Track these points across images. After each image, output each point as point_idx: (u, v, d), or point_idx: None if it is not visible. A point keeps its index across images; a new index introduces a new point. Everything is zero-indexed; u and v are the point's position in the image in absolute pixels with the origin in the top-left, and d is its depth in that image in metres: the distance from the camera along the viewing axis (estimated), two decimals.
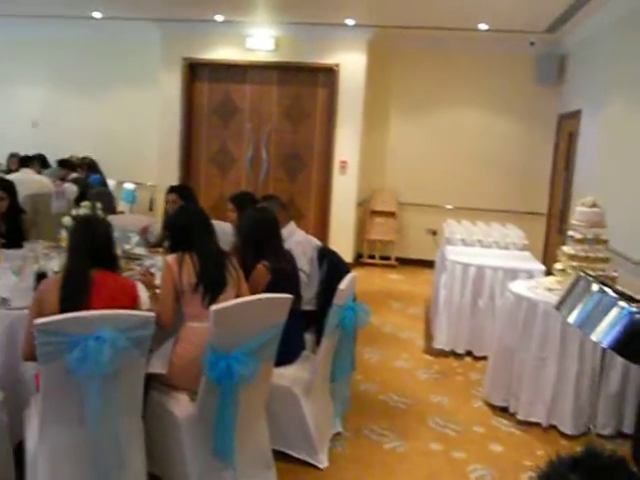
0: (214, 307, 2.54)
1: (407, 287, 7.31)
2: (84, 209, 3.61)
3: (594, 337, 2.54)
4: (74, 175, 7.09)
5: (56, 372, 2.28)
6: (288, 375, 3.17)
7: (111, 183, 7.76)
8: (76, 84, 8.80)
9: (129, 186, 7.95)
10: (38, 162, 7.12)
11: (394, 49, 8.08)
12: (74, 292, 2.51)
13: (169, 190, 4.62)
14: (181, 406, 2.73)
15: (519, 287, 4.01)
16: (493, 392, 4.01)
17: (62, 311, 2.47)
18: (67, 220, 3.57)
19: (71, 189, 6.92)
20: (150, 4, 7.08)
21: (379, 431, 3.59)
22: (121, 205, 7.37)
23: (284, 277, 3.23)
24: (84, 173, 7.30)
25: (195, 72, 8.11)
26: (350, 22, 7.34)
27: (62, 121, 8.85)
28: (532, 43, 7.50)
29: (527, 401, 3.76)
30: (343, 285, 3.12)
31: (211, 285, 2.82)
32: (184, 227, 2.96)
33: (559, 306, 2.89)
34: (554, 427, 3.69)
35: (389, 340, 5.29)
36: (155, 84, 8.16)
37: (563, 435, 3.64)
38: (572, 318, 2.71)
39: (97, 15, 7.74)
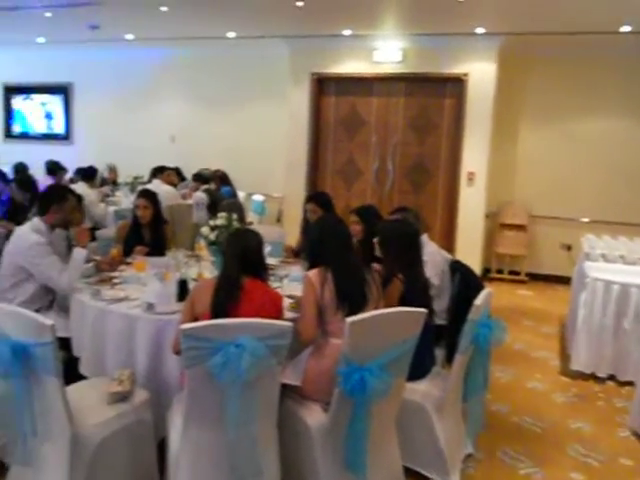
0: (350, 319, 2.53)
1: (539, 304, 6.95)
2: (221, 220, 3.75)
3: None
4: (206, 187, 7.44)
5: (200, 375, 2.37)
6: (419, 390, 3.10)
7: (241, 195, 8.06)
8: (209, 101, 9.27)
9: (258, 198, 8.22)
10: (174, 174, 7.52)
11: (525, 56, 7.77)
12: (226, 296, 2.63)
13: (307, 199, 4.68)
14: (314, 416, 2.74)
15: None
16: None
17: (213, 312, 2.59)
18: (205, 230, 3.73)
19: (201, 197, 7.26)
20: (280, 22, 7.30)
21: (513, 455, 3.42)
22: (250, 216, 7.62)
23: (418, 291, 3.17)
24: (216, 185, 7.63)
25: (322, 86, 8.25)
26: (480, 30, 7.15)
27: (197, 136, 9.34)
28: None
29: None
30: (479, 300, 3.00)
31: (352, 302, 2.81)
32: (322, 242, 2.97)
33: None
34: None
35: (521, 359, 5.04)
36: (283, 99, 8.40)
37: None
38: None
39: (231, 35, 8.09)
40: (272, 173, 8.66)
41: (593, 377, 4.60)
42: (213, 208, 6.98)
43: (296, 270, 3.89)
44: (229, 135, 9.11)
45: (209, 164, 8.55)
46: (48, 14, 7.18)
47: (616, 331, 4.55)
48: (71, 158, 9.01)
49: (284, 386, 2.75)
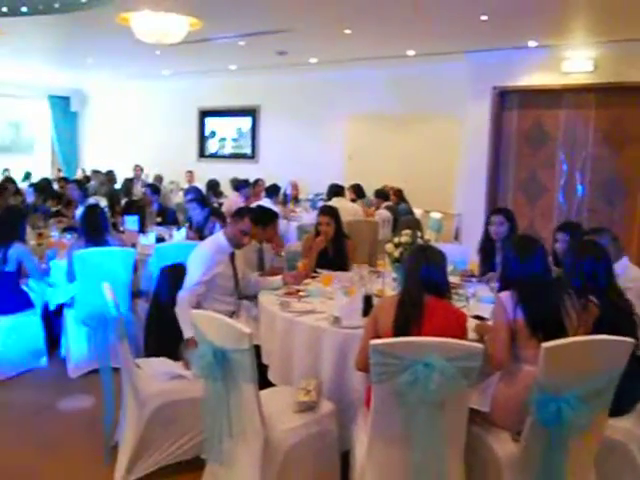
0: (545, 344, 2.37)
1: None
2: (405, 237, 3.74)
3: None
4: (387, 203, 7.51)
5: (387, 392, 2.36)
6: (622, 428, 2.81)
7: (417, 212, 8.02)
8: (387, 118, 9.38)
9: (435, 215, 8.12)
10: (353, 191, 7.69)
11: None
12: (408, 315, 2.59)
13: (492, 212, 4.53)
14: (503, 445, 2.60)
15: None
16: None
17: (394, 331, 2.57)
18: (390, 247, 3.74)
19: (384, 214, 7.34)
20: (462, 37, 7.19)
21: None
22: (428, 234, 7.56)
23: (617, 318, 2.88)
24: (394, 202, 7.68)
25: (504, 100, 7.97)
26: None
27: (373, 153, 9.50)
28: None
29: None
30: None
31: (546, 329, 2.63)
32: (515, 263, 2.83)
33: None
34: None
35: None
36: (460, 115, 8.25)
37: None
38: None
39: (410, 53, 8.13)
40: (449, 190, 8.53)
41: None
42: (393, 225, 7.06)
43: (483, 290, 3.74)
44: (405, 152, 9.14)
45: (385, 181, 8.63)
46: (242, 43, 7.75)
47: None
48: (255, 176, 9.59)
49: (470, 411, 2.64)
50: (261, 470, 2.57)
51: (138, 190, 10.07)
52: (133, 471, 3.00)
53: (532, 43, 7.25)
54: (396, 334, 2.56)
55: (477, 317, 3.22)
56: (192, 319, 2.71)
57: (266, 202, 7.18)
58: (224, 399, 2.60)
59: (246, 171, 10.21)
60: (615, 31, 6.62)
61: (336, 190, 7.43)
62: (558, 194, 7.72)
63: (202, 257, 3.61)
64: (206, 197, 7.04)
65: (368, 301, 3.25)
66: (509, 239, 3.01)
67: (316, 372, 3.09)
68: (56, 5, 5.48)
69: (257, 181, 8.93)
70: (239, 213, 3.83)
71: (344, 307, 3.15)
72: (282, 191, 8.62)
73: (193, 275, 3.54)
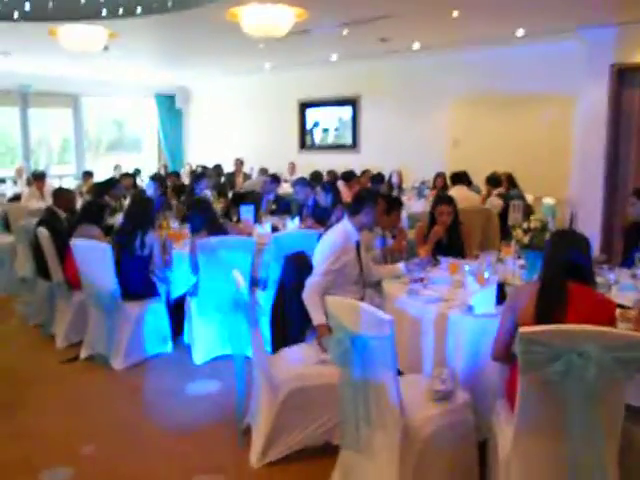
0: None
1: None
2: (535, 222, 3.58)
3: None
4: (499, 190, 7.27)
5: (536, 382, 2.26)
6: None
7: (529, 198, 7.70)
8: (495, 102, 9.06)
9: (549, 201, 7.75)
10: (464, 179, 7.48)
11: None
12: (550, 303, 2.47)
13: (633, 193, 4.31)
14: None
15: None
16: None
17: (537, 319, 2.45)
18: (519, 233, 3.60)
19: (495, 202, 7.12)
20: (575, 12, 6.80)
21: None
22: None
23: None
24: (505, 188, 7.42)
25: (625, 78, 7.47)
26: None
27: (481, 138, 9.22)
28: None
29: None
30: None
31: None
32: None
33: None
34: None
35: None
36: (574, 96, 7.83)
37: None
38: None
39: (519, 33, 7.81)
40: (562, 175, 8.12)
41: None
42: (506, 212, 6.81)
43: (623, 277, 3.53)
44: (515, 136, 8.81)
45: (494, 167, 8.34)
46: (345, 32, 7.71)
47: None
48: (357, 165, 9.55)
49: (627, 407, 2.48)
50: (400, 458, 2.53)
51: (240, 182, 10.35)
52: (268, 454, 3.07)
53: None
54: (538, 323, 2.44)
55: (620, 306, 3.03)
56: (327, 306, 2.71)
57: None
58: (361, 386, 2.59)
59: (348, 161, 10.20)
60: None
61: (459, 177, 7.32)
62: None
63: (332, 245, 3.62)
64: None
65: (501, 289, 3.14)
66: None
67: (449, 360, 3.03)
68: (169, 4, 5.66)
69: (364, 172, 8.88)
70: (373, 199, 3.85)
71: (477, 295, 3.06)
72: (387, 180, 8.54)
73: (322, 263, 3.56)
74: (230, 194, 7.42)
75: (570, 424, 2.23)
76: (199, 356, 4.53)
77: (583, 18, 7.06)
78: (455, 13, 6.75)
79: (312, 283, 3.50)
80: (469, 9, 6.62)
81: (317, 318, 3.37)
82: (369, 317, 2.49)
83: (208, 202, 5.15)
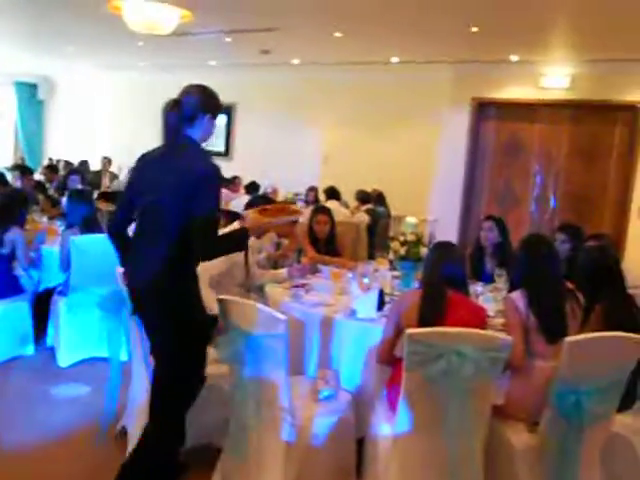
0: (569, 339, 2.49)
1: None
2: (410, 235, 3.83)
3: None
4: (368, 206, 7.62)
5: (418, 380, 2.43)
6: (626, 423, 2.96)
7: (393, 215, 8.15)
8: (365, 123, 9.45)
9: (411, 220, 8.22)
10: (336, 194, 7.77)
11: None
12: (432, 308, 2.66)
13: (486, 218, 4.73)
14: (518, 435, 2.70)
15: None
16: None
17: (420, 324, 2.63)
18: (396, 245, 3.83)
19: (362, 217, 7.44)
20: (448, 47, 7.38)
21: None
22: None
23: (622, 321, 3.01)
24: (374, 205, 7.79)
25: (483, 111, 8.20)
26: None
27: (351, 157, 9.57)
28: None
29: None
30: None
31: (554, 323, 2.76)
32: (527, 263, 2.95)
33: None
34: None
35: None
36: (441, 123, 8.43)
37: None
38: None
39: (394, 60, 8.29)
40: (425, 196, 8.68)
41: None
42: (373, 228, 7.16)
43: (485, 290, 3.88)
44: (383, 157, 9.24)
45: (362, 184, 8.72)
46: (228, 39, 7.74)
47: None
48: (229, 173, 9.52)
49: None
50: (285, 457, 2.59)
51: (106, 182, 9.94)
52: None
53: (514, 57, 7.50)
54: (421, 326, 2.62)
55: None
56: (221, 305, 2.72)
57: (247, 199, 7.16)
58: (252, 386, 2.62)
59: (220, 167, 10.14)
60: (593, 50, 6.92)
61: (332, 193, 7.60)
62: (531, 205, 7.99)
63: None
64: None
65: (382, 295, 3.33)
66: (523, 240, 3.10)
67: (332, 362, 3.14)
68: None
69: (234, 178, 8.92)
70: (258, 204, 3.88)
71: (360, 300, 3.21)
72: (262, 190, 8.62)
73: (213, 262, 3.53)
74: (95, 193, 7.11)
75: (446, 419, 2.42)
76: (65, 358, 4.29)
77: (450, 53, 7.66)
78: (337, 34, 7.04)
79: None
80: (350, 32, 6.93)
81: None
82: (264, 316, 2.54)
83: (90, 194, 4.92)
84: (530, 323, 2.78)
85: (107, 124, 12.26)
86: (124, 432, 3.21)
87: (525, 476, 2.64)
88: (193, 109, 2.50)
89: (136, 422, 3.07)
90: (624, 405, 2.99)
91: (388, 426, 2.62)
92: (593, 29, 6.09)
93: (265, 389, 2.60)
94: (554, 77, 7.58)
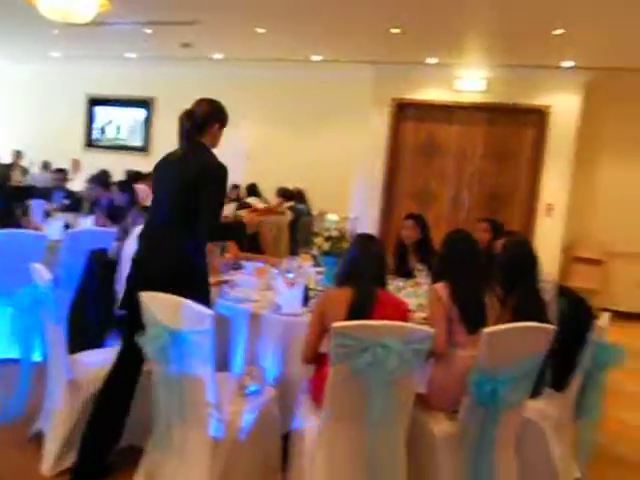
0: (487, 330, 2.60)
1: (618, 339, 6.83)
2: (334, 231, 3.89)
3: None
4: (290, 204, 7.64)
5: (344, 373, 2.47)
6: (536, 409, 3.12)
7: (314, 213, 8.22)
8: (288, 121, 9.50)
9: (332, 217, 8.32)
10: (257, 190, 7.75)
11: (612, 91, 7.78)
12: (361, 304, 2.70)
13: (406, 217, 4.85)
14: (439, 423, 2.80)
15: None
16: None
17: (349, 319, 2.67)
18: (319, 240, 3.87)
19: (284, 215, 7.44)
20: (369, 48, 7.52)
21: None
22: None
23: (535, 313, 3.17)
24: (296, 202, 7.82)
25: (402, 111, 8.40)
26: (567, 64, 7.22)
27: (273, 154, 9.57)
28: None
29: None
30: (603, 322, 3.04)
31: (474, 314, 2.88)
32: (449, 256, 3.07)
33: None
34: None
35: (610, 392, 4.97)
36: (363, 122, 8.57)
37: None
38: None
39: (316, 58, 8.34)
40: (346, 194, 8.81)
41: None
42: (295, 225, 7.18)
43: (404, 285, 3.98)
44: (306, 155, 9.32)
45: (284, 182, 8.73)
46: (149, 31, 7.55)
47: None
48: (147, 168, 9.30)
49: None
50: (211, 453, 2.57)
51: (17, 176, 9.47)
52: (65, 460, 2.88)
53: (432, 60, 7.73)
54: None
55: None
56: (143, 301, 2.65)
57: None
58: (177, 382, 2.58)
59: (137, 163, 9.87)
60: (506, 56, 7.25)
61: (252, 189, 7.57)
62: (447, 204, 8.26)
63: None
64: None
65: (306, 291, 3.35)
66: (447, 235, 3.21)
67: (258, 358, 3.14)
68: None
69: (149, 174, 8.70)
70: None
71: (285, 295, 3.22)
72: None
73: None
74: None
75: (371, 410, 2.47)
76: None
77: (371, 54, 7.80)
78: (260, 30, 7.02)
79: None
80: (273, 28, 6.93)
81: None
82: (190, 311, 2.51)
83: (8, 189, 4.68)
84: (452, 314, 2.89)
85: (17, 117, 11.66)
86: (39, 435, 3.08)
87: (446, 463, 2.74)
88: (204, 118, 3.00)
89: (53, 424, 2.96)
90: (535, 392, 3.17)
91: (313, 420, 2.66)
92: (505, 35, 6.39)
93: (191, 385, 2.57)
94: (470, 80, 7.88)
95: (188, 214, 2.82)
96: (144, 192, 6.00)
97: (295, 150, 9.40)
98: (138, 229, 3.76)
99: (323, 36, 7.17)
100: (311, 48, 7.90)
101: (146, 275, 2.87)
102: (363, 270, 2.81)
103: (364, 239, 2.98)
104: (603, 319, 3.08)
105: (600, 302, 7.86)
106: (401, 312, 2.83)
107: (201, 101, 3.08)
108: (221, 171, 2.91)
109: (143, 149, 10.79)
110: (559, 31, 5.86)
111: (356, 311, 2.67)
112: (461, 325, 2.89)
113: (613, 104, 7.91)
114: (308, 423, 2.70)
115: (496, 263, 3.37)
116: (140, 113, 10.78)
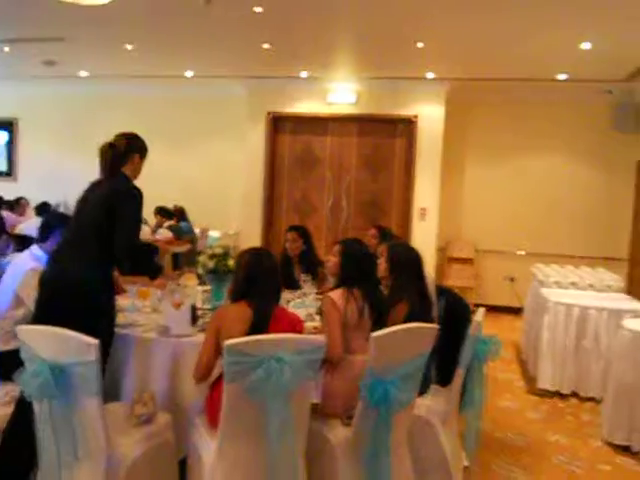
0: (374, 334, 2.69)
1: (491, 332, 7.29)
2: (218, 248, 3.86)
3: None
4: (170, 222, 7.47)
5: (240, 390, 2.45)
6: (425, 405, 3.27)
7: (196, 231, 8.10)
8: (166, 138, 9.27)
9: (214, 234, 8.27)
10: None
11: (472, 100, 8.35)
12: (260, 322, 2.68)
13: (289, 229, 4.92)
14: (335, 431, 2.85)
15: (636, 325, 4.04)
16: (613, 431, 4.00)
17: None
18: (204, 258, 3.82)
19: (165, 234, 7.30)
20: (241, 63, 7.56)
21: (506, 466, 3.64)
22: None
23: (424, 312, 3.31)
24: (177, 220, 7.67)
25: (278, 125, 8.50)
26: (430, 75, 7.65)
27: (151, 172, 9.25)
28: (609, 91, 7.67)
29: None
30: (479, 317, 3.25)
31: (376, 320, 2.98)
32: (357, 264, 3.13)
33: None
34: None
35: (488, 381, 5.30)
36: (240, 136, 8.58)
37: None
38: None
39: (189, 74, 8.25)
40: (228, 210, 8.76)
41: (558, 394, 4.93)
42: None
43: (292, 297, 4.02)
44: (186, 172, 9.15)
45: (164, 200, 8.54)
46: (6, 49, 7.11)
47: (577, 351, 4.91)
48: (13, 194, 8.76)
49: None
50: None
51: None
52: None
53: (303, 74, 7.89)
54: None
55: None
56: (20, 336, 2.49)
57: (38, 221, 6.63)
58: (63, 419, 2.45)
59: (1, 188, 9.26)
60: (375, 69, 7.56)
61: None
62: (327, 213, 8.45)
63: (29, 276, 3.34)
64: None
65: (194, 310, 3.30)
66: (343, 244, 3.27)
67: (148, 383, 3.04)
68: None
69: (19, 199, 8.22)
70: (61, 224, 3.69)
71: (173, 316, 3.16)
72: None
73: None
74: None
75: (268, 425, 2.47)
76: None
77: (244, 69, 7.84)
78: (128, 46, 6.83)
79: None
80: (142, 45, 6.78)
81: None
82: (73, 343, 2.39)
83: None
84: (348, 319, 2.97)
85: None
86: None
87: (344, 469, 2.80)
88: (124, 150, 3.27)
89: None
90: (423, 389, 3.32)
91: (210, 441, 2.62)
92: (371, 50, 6.68)
93: (79, 420, 2.45)
94: (341, 93, 8.14)
95: (101, 237, 2.97)
96: (11, 220, 5.66)
97: (173, 168, 9.18)
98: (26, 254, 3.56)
99: (195, 52, 7.11)
100: (183, 64, 7.79)
101: (49, 295, 2.94)
102: (259, 285, 2.78)
103: (257, 253, 2.93)
104: (479, 314, 3.28)
105: (474, 298, 8.40)
106: (296, 328, 2.84)
107: (121, 134, 3.30)
108: (135, 192, 3.15)
109: (8, 174, 10.11)
110: (421, 44, 6.21)
111: (255, 328, 2.65)
112: (357, 331, 2.98)
113: (473, 112, 8.50)
114: (205, 445, 2.66)
115: (389, 264, 3.47)
116: (2, 136, 10.09)
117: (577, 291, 5.57)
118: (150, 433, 2.73)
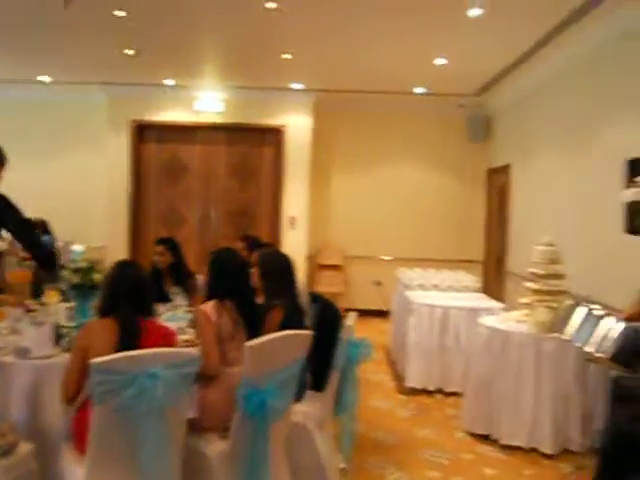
0: (248, 343, 2.69)
1: (361, 335, 7.53)
2: (82, 262, 3.66)
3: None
4: None
5: (110, 411, 2.34)
6: (301, 411, 3.30)
7: (59, 244, 7.64)
8: (18, 148, 8.58)
9: (78, 248, 7.80)
10: None
11: (337, 110, 8.60)
12: (129, 338, 2.58)
13: (157, 242, 4.78)
14: (212, 445, 2.80)
15: (491, 321, 4.36)
16: (474, 422, 4.28)
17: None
18: (67, 273, 3.61)
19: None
20: (101, 69, 7.25)
21: (379, 465, 3.77)
22: None
23: (297, 319, 3.35)
24: (40, 234, 7.18)
25: (143, 133, 8.25)
26: (296, 86, 7.79)
27: (8, 182, 8.61)
28: (461, 105, 8.25)
29: (508, 427, 4.05)
30: (350, 321, 3.35)
31: (251, 330, 2.96)
32: (223, 275, 3.09)
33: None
34: (534, 449, 3.99)
35: (361, 383, 5.47)
36: (101, 145, 8.22)
37: (544, 455, 3.94)
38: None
39: (45, 79, 7.78)
40: (92, 221, 8.33)
41: (425, 392, 5.20)
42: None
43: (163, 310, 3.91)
44: (45, 182, 8.54)
45: (27, 212, 7.93)
46: None
47: (440, 349, 5.21)
48: None
49: None
50: None
51: None
52: None
53: (168, 81, 7.72)
54: None
55: None
56: None
57: None
58: None
59: None
60: (243, 78, 7.57)
61: None
62: (196, 224, 8.31)
63: None
64: None
65: (57, 329, 3.11)
66: (214, 255, 3.22)
67: (7, 411, 2.82)
68: None
69: None
70: None
71: (33, 337, 2.95)
72: None
73: None
74: None
75: (143, 446, 2.38)
76: None
77: (105, 75, 7.53)
78: None
79: None
80: None
81: None
82: None
83: None
84: (222, 332, 2.93)
85: None
86: None
87: None
88: None
89: None
90: (298, 396, 3.36)
91: (78, 469, 2.47)
92: (238, 59, 6.70)
93: None
94: (208, 101, 8.05)
95: None
96: None
97: (30, 179, 8.53)
98: None
99: (49, 56, 6.72)
100: (37, 68, 7.33)
101: None
102: (124, 298, 2.68)
103: (123, 265, 2.84)
104: (350, 318, 3.39)
105: (344, 303, 8.63)
106: (169, 340, 2.77)
107: None
108: None
109: None
110: (287, 56, 6.30)
111: (123, 343, 2.55)
112: (232, 342, 2.95)
113: (340, 122, 8.76)
114: (72, 473, 2.51)
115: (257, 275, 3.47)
116: None
117: (439, 292, 5.90)
118: (10, 465, 2.53)
